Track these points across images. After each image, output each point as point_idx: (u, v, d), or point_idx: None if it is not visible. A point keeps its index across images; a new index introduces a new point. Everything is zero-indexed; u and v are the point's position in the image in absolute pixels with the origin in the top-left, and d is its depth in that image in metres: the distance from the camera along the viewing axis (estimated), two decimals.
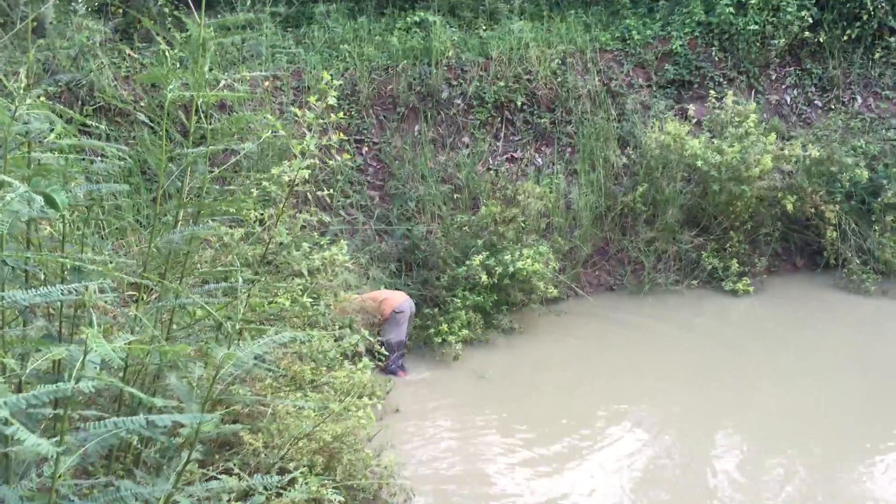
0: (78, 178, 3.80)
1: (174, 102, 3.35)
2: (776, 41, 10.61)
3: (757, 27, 10.56)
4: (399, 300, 7.46)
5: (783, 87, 10.98)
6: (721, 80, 10.69)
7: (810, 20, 10.59)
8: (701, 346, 8.16)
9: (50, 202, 2.29)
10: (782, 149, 9.73)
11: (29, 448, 1.85)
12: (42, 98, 3.30)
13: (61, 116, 3.52)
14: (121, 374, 3.34)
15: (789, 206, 9.45)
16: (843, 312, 8.97)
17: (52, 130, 3.33)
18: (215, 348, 2.69)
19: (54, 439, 2.05)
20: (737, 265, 9.52)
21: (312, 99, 4.81)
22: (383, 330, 7.23)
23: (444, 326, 7.86)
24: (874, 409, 6.72)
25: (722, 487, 5.60)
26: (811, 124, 10.71)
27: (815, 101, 10.96)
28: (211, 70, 3.53)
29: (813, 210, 9.75)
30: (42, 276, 3.51)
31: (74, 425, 3.00)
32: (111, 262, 3.60)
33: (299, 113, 4.75)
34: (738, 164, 9.20)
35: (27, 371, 2.40)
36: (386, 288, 8.03)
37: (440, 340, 7.79)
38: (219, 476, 3.30)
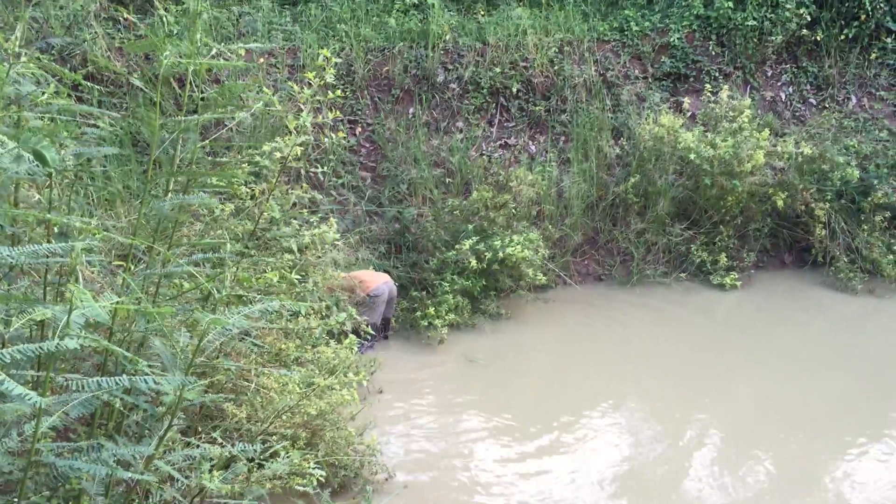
0: (68, 143, 3.77)
1: (168, 70, 3.33)
2: (774, 38, 10.61)
3: (755, 23, 10.56)
4: (376, 283, 7.39)
5: (778, 83, 10.99)
6: (717, 74, 10.69)
7: (808, 18, 10.59)
8: (686, 338, 8.19)
9: (40, 159, 2.27)
10: (775, 145, 9.76)
11: (13, 403, 1.84)
12: (35, 59, 3.26)
13: (54, 76, 3.49)
14: (105, 339, 3.32)
15: (780, 203, 9.48)
16: (829, 310, 9.02)
17: (44, 93, 3.30)
18: (202, 314, 2.68)
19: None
20: (725, 259, 9.55)
21: (310, 75, 4.79)
22: (359, 311, 7.21)
23: (431, 310, 7.85)
24: (853, 406, 6.77)
25: (700, 479, 5.64)
26: (805, 122, 10.73)
27: (810, 99, 10.98)
28: (205, 43, 3.51)
29: (803, 207, 9.79)
30: (27, 241, 3.49)
31: (58, 390, 2.99)
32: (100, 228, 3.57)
33: (296, 88, 4.72)
34: (731, 159, 9.22)
35: (11, 330, 2.38)
36: (374, 269, 8.01)
37: (427, 324, 7.79)
38: (200, 444, 3.29)
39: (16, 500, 2.54)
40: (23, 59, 2.75)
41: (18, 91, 3.04)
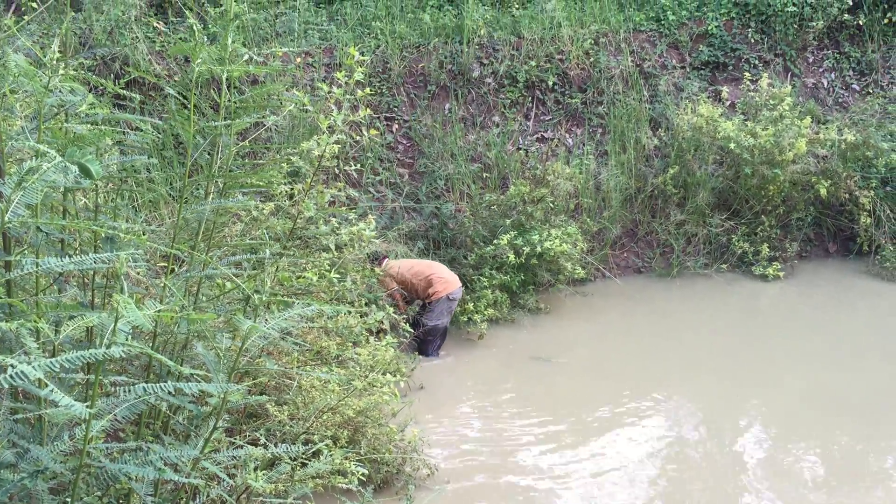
0: (111, 150, 3.86)
1: (202, 75, 3.39)
2: (814, 23, 10.42)
3: (795, 9, 10.38)
4: (457, 285, 7.37)
5: (820, 70, 10.80)
6: (756, 62, 10.53)
7: (850, 2, 10.38)
8: (729, 330, 8.11)
9: (85, 172, 2.34)
10: (817, 133, 9.60)
11: (62, 409, 1.90)
12: (77, 70, 3.35)
13: (95, 87, 3.58)
14: (150, 343, 3.40)
15: (823, 191, 9.33)
16: (875, 300, 8.86)
17: (84, 104, 3.39)
18: (241, 320, 2.74)
19: (86, 402, 2.10)
20: (767, 250, 9.43)
21: (339, 75, 4.83)
22: (431, 311, 7.22)
23: (471, 305, 7.87)
24: None
25: (745, 474, 5.59)
26: (848, 108, 10.53)
27: (853, 85, 10.77)
28: (242, 43, 3.57)
29: (847, 195, 9.63)
30: (76, 246, 3.58)
31: (105, 392, 3.07)
32: (144, 234, 3.66)
33: (326, 88, 4.77)
34: (772, 148, 9.09)
35: (61, 337, 2.45)
36: None
37: (466, 319, 7.81)
38: (245, 445, 3.36)
39: (68, 500, 2.62)
40: (62, 71, 2.82)
41: (61, 101, 3.13)
